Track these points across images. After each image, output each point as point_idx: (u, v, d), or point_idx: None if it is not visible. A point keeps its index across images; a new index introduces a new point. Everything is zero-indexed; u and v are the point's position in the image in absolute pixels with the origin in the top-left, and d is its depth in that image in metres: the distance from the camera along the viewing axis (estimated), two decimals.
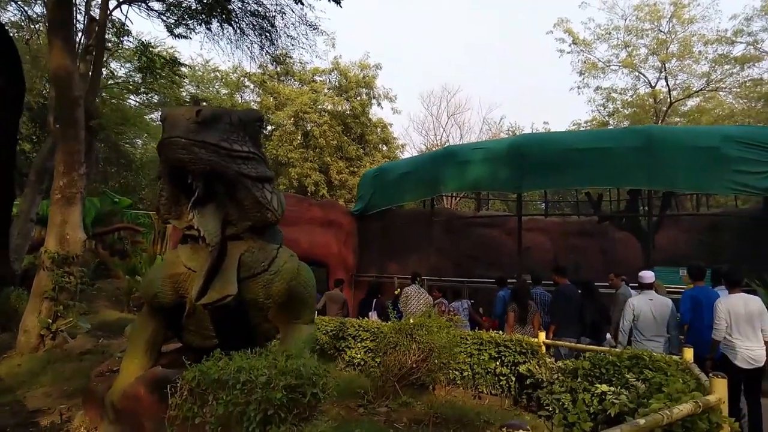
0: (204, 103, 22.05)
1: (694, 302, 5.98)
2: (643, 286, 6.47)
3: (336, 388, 6.43)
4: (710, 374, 2.99)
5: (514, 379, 6.20)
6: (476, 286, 12.84)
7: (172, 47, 21.17)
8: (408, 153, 33.94)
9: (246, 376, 2.47)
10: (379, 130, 29.91)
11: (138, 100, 23.08)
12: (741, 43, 20.55)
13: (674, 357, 4.47)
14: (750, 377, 5.29)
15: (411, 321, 5.76)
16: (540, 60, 63.30)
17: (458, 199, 27.73)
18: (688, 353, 4.40)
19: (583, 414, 2.62)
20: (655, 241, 13.14)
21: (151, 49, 14.11)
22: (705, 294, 6.06)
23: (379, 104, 30.24)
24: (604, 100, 26.80)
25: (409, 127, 71.28)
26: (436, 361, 5.57)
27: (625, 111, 26.86)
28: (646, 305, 6.23)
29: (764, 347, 5.29)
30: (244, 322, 4.49)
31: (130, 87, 21.21)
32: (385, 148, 30.77)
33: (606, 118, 27.39)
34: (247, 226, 4.08)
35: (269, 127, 28.64)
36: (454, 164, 13.59)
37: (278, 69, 27.81)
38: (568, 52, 25.16)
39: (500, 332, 6.79)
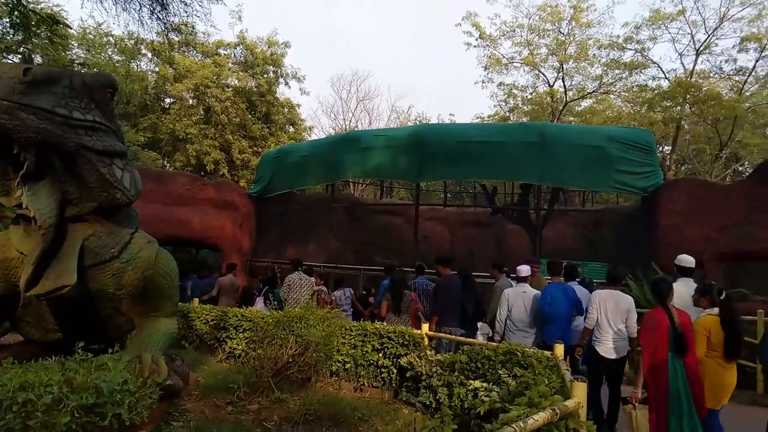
0: (95, 70, 20.19)
1: (552, 296, 6.19)
2: (519, 279, 6.68)
3: (207, 384, 6.08)
4: (571, 378, 2.96)
5: (395, 371, 6.09)
6: (374, 274, 12.76)
7: (57, 5, 19.05)
8: (316, 135, 33.38)
9: (25, 395, 2.01)
10: (286, 110, 29.08)
11: (16, 61, 20.68)
12: (630, 49, 21.97)
13: (545, 353, 4.51)
14: (612, 367, 5.54)
15: (289, 312, 5.45)
16: (450, 52, 64.56)
17: (364, 185, 27.62)
18: (559, 349, 4.47)
19: (447, 417, 2.45)
20: (543, 233, 13.71)
21: (24, 3, 12.55)
22: (562, 289, 6.30)
23: (286, 83, 29.38)
24: (506, 95, 27.70)
25: (318, 109, 70.34)
26: (314, 354, 5.31)
27: (525, 108, 27.92)
28: (519, 297, 6.43)
29: (627, 340, 5.56)
30: (92, 314, 3.98)
31: (2, 46, 18.94)
32: (291, 129, 29.99)
33: (507, 113, 28.35)
34: (91, 207, 3.57)
35: (167, 100, 26.93)
36: (356, 150, 13.38)
37: (177, 38, 26.13)
38: (475, 46, 25.70)
39: (384, 323, 6.65)
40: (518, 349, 4.57)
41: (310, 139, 29.34)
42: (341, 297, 8.30)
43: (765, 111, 20.15)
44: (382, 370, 6.23)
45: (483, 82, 27.23)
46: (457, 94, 55.55)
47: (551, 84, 25.68)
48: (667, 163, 21.52)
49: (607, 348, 5.53)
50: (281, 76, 28.74)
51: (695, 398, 4.15)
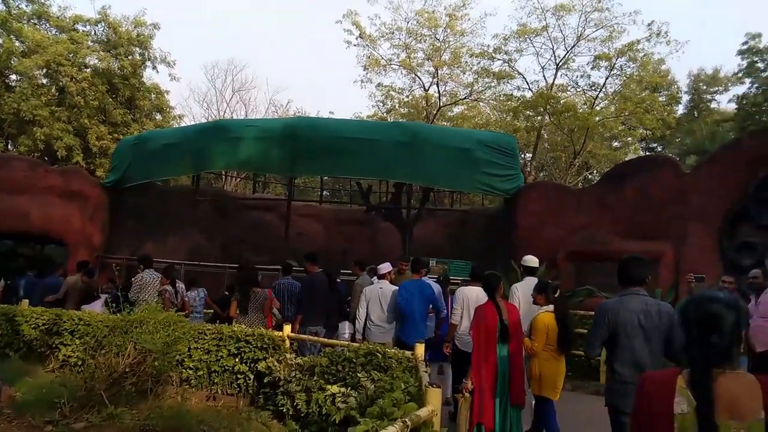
0: None
1: (409, 293, 6.23)
2: (378, 277, 6.71)
3: (26, 399, 5.24)
4: (427, 384, 2.81)
5: (252, 377, 5.68)
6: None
7: None
8: (186, 124, 31.40)
9: None
10: (153, 96, 26.98)
11: None
12: (499, 59, 23.19)
13: (406, 353, 4.39)
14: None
15: (126, 316, 4.82)
16: (330, 48, 64.38)
17: (238, 179, 26.45)
18: (419, 349, 4.37)
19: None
20: (414, 232, 13.93)
21: None
22: (418, 286, 6.36)
23: (154, 68, 27.24)
24: (383, 96, 28.03)
25: (189, 97, 66.71)
26: (155, 363, 4.74)
27: (402, 110, 28.47)
28: (376, 293, 6.42)
29: None
30: None
31: None
32: (159, 116, 27.93)
33: (385, 114, 28.72)
34: None
35: (12, 77, 23.79)
36: (224, 140, 12.61)
37: (28, 9, 23.22)
38: (355, 45, 25.68)
39: (243, 326, 6.19)
40: (379, 351, 4.40)
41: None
42: (195, 298, 7.63)
43: (612, 125, 22.24)
44: (239, 376, 5.78)
45: (362, 81, 27.29)
46: (337, 92, 55.56)
47: (426, 88, 26.41)
48: (528, 168, 23.01)
49: (465, 342, 5.60)
50: (148, 59, 26.60)
51: (512, 383, 4.46)
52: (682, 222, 9.34)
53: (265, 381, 5.43)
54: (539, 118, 22.60)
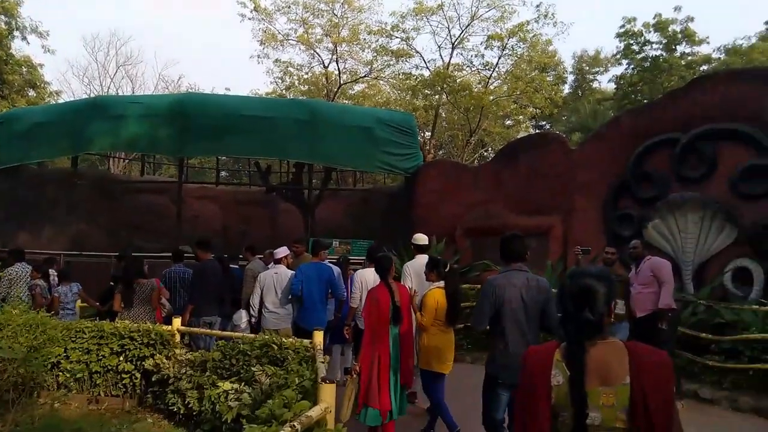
0: None
1: (306, 276, 6.10)
2: (275, 261, 6.55)
3: None
4: (320, 379, 2.65)
5: (139, 376, 5.26)
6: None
7: None
8: (65, 101, 28.65)
9: None
10: (24, 69, 24.36)
11: None
12: (397, 37, 23.19)
13: (304, 342, 4.22)
14: None
15: None
16: (224, 22, 61.45)
17: (127, 161, 24.60)
18: (318, 336, 4.21)
19: None
20: (316, 212, 13.68)
21: None
22: (316, 268, 6.26)
23: (24, 38, 24.58)
24: (282, 73, 27.17)
25: (67, 72, 61.09)
26: (21, 370, 4.22)
27: (302, 87, 27.77)
28: (271, 279, 6.26)
29: None
30: None
31: None
32: (32, 92, 25.31)
33: (284, 91, 27.88)
34: None
35: None
36: (105, 118, 11.56)
37: None
38: (250, 19, 24.57)
39: (126, 321, 5.69)
40: (275, 342, 4.18)
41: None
42: (66, 293, 6.91)
43: (505, 104, 23.06)
44: (123, 375, 5.34)
45: (259, 57, 26.26)
46: (233, 67, 53.25)
47: (326, 65, 25.92)
48: (428, 147, 23.39)
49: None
50: (16, 29, 23.90)
51: (402, 364, 4.53)
52: (570, 196, 9.85)
53: (154, 379, 5.05)
54: (437, 97, 22.95)
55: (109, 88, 31.57)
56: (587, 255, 6.80)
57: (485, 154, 26.49)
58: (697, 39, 23.43)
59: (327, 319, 6.34)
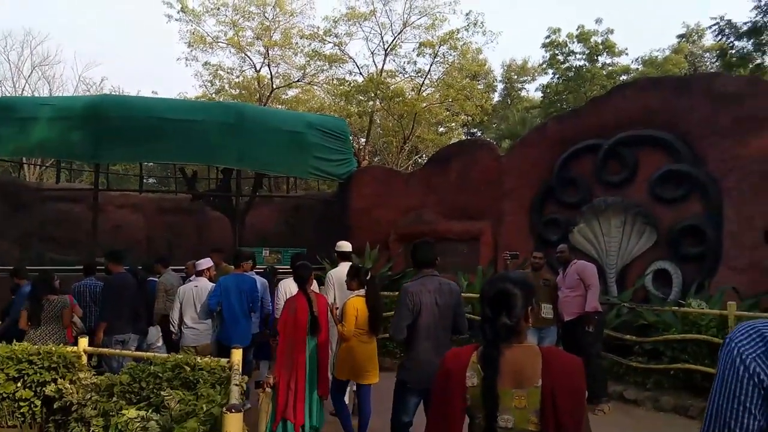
0: None
1: (224, 289, 5.84)
2: (197, 273, 6.28)
3: None
4: (223, 409, 2.40)
5: (39, 403, 4.75)
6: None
7: None
8: None
9: None
10: None
11: None
12: (330, 42, 22.99)
13: (222, 362, 3.92)
14: None
15: None
16: (150, 23, 58.99)
17: (43, 167, 22.99)
18: (236, 355, 3.91)
19: None
20: (247, 220, 13.22)
21: None
22: (236, 281, 6.01)
23: None
24: (211, 76, 26.36)
25: None
26: None
27: (233, 91, 27.03)
28: (191, 292, 5.99)
29: None
30: None
31: None
32: None
33: (214, 95, 27.03)
34: None
35: None
36: (11, 120, 10.64)
37: None
38: (177, 20, 23.66)
39: (24, 344, 5.16)
40: (188, 362, 3.86)
41: None
42: None
43: (437, 111, 23.32)
44: (21, 403, 4.81)
45: (186, 59, 25.34)
46: (160, 70, 51.19)
47: (258, 69, 25.34)
48: (363, 153, 23.30)
49: None
50: None
51: (320, 374, 4.49)
52: (499, 202, 9.97)
53: (56, 407, 4.57)
54: (371, 103, 22.91)
55: (23, 89, 29.53)
56: (516, 259, 6.85)
57: (419, 160, 26.69)
58: (617, 50, 24.61)
59: (252, 333, 6.06)
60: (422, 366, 3.62)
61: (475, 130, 31.74)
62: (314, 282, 6.01)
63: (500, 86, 31.81)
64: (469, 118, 24.94)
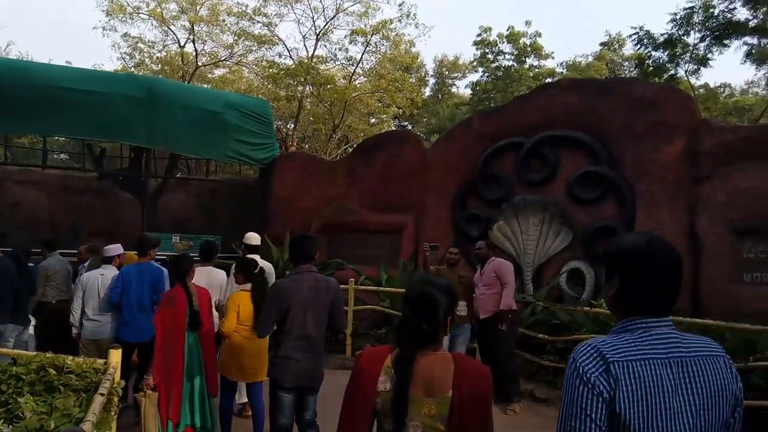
0: None
1: (125, 280, 5.35)
2: (104, 260, 5.73)
3: None
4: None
5: None
6: None
7: None
8: None
9: None
10: None
11: None
12: (259, 22, 22.11)
13: (98, 362, 3.46)
14: None
15: None
16: None
17: None
18: (115, 356, 3.46)
19: None
20: (160, 204, 12.43)
21: None
22: (138, 270, 5.52)
23: None
24: (131, 48, 24.75)
25: None
26: None
27: (154, 66, 25.54)
28: (95, 281, 5.47)
29: None
30: None
31: None
32: None
33: (133, 68, 25.39)
34: None
35: None
36: None
37: None
38: None
39: None
40: (56, 363, 3.37)
41: None
42: None
43: (369, 101, 23.04)
44: None
45: (104, 29, 23.64)
46: (76, 39, 47.75)
47: (182, 45, 24.04)
48: (291, 139, 22.67)
49: None
50: None
51: (207, 371, 4.32)
52: (422, 195, 9.84)
53: None
54: (300, 88, 22.30)
55: None
56: (435, 251, 6.72)
57: (349, 150, 26.34)
58: (543, 53, 25.26)
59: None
60: (292, 364, 3.58)
61: (406, 123, 31.74)
62: (225, 273, 5.66)
63: (432, 81, 31.99)
64: (400, 110, 24.84)
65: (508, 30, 24.68)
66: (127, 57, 25.43)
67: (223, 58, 24.71)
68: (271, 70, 23.11)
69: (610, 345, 1.37)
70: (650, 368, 1.33)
